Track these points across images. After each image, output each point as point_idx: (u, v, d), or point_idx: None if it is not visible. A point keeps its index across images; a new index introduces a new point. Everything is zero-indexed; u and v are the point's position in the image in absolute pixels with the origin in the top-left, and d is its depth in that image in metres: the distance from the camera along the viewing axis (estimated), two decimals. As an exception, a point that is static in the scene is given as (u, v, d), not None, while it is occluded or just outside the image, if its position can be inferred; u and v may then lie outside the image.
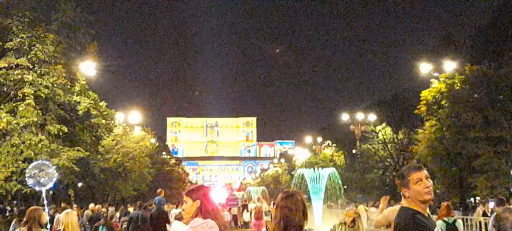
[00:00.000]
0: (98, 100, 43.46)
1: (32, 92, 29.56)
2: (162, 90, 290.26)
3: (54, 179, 15.56)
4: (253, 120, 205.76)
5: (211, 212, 5.01)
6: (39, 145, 29.57)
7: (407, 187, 4.38)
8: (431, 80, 37.21)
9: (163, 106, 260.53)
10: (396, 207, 7.46)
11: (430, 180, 4.36)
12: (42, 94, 30.04)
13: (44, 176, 14.82)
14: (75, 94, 37.35)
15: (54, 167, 16.23)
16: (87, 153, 34.50)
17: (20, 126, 29.23)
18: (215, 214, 5.02)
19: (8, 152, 29.20)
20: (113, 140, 48.24)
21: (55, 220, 19.43)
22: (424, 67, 38.50)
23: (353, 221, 10.47)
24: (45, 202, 15.75)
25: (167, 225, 19.34)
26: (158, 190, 25.02)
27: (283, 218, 4.64)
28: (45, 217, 9.42)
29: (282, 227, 4.61)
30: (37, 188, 15.23)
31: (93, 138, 41.17)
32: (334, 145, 72.46)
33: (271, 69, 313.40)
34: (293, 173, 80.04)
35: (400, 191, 4.49)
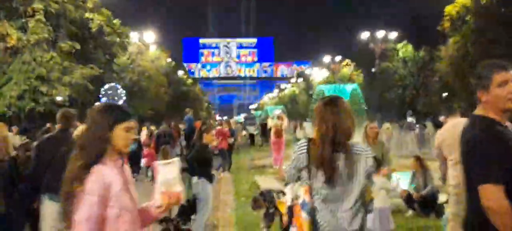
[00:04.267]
0: (112, 18, 42.59)
1: (42, 7, 28.80)
2: (178, 9, 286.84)
3: (124, 98, 19.31)
4: (269, 40, 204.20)
5: None
6: (51, 62, 29.05)
7: (486, 89, 3.36)
8: (456, -5, 35.67)
9: (179, 26, 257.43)
10: (457, 121, 6.47)
11: None
12: (52, 10, 29.31)
13: (116, 95, 18.30)
14: (88, 11, 36.44)
15: (121, 88, 19.02)
16: (101, 71, 33.90)
17: (31, 42, 28.63)
18: None
19: (19, 69, 28.69)
20: (128, 59, 47.54)
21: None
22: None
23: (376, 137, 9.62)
24: None
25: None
26: (186, 109, 26.14)
27: (332, 123, 3.85)
28: None
29: (331, 134, 3.83)
30: None
31: (107, 56, 40.56)
32: (353, 63, 71.31)
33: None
34: (311, 92, 79.37)
35: (476, 95, 3.48)
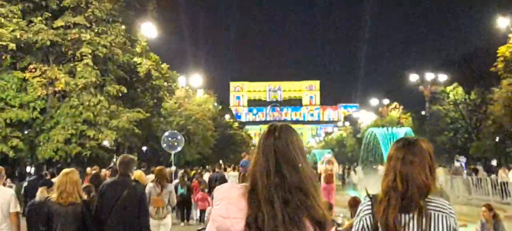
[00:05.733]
0: (160, 62, 42.84)
1: (90, 51, 28.94)
2: (225, 53, 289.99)
3: (182, 145, 20.54)
4: (316, 83, 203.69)
5: None
6: (98, 106, 29.04)
7: None
8: (510, 35, 34.57)
9: (226, 70, 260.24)
10: None
11: None
12: (100, 54, 29.40)
13: (176, 141, 19.35)
14: (136, 55, 36.67)
15: (181, 135, 20.38)
16: (147, 115, 33.84)
17: (79, 86, 28.70)
18: None
19: (67, 113, 28.75)
20: (175, 103, 47.73)
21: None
22: (501, 22, 35.78)
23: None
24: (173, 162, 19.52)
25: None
26: (243, 154, 25.41)
27: (401, 175, 3.10)
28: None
29: (400, 189, 3.07)
30: (170, 151, 19.88)
31: (155, 100, 40.63)
32: (402, 106, 70.21)
33: (334, 31, 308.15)
34: (358, 135, 78.28)
35: None
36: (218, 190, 2.68)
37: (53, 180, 12.05)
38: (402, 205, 3.04)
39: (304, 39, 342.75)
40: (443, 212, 3.05)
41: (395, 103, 72.58)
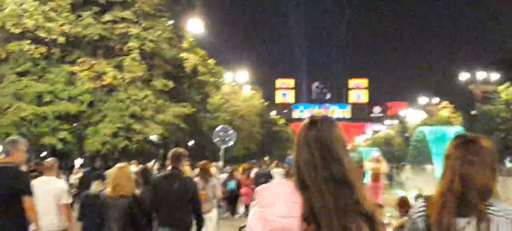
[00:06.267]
0: (206, 58, 42.89)
1: (137, 46, 29.18)
2: (272, 49, 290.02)
3: (234, 139, 20.66)
4: (364, 81, 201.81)
5: None
6: (145, 100, 29.25)
7: None
8: None
9: (272, 66, 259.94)
10: None
11: None
12: (147, 49, 29.60)
13: (227, 136, 19.61)
14: (183, 51, 36.77)
15: (233, 131, 20.36)
16: (193, 110, 33.92)
17: (126, 80, 28.96)
18: None
19: (114, 107, 29.01)
20: (221, 98, 47.76)
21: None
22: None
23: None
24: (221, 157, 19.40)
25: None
26: (289, 151, 26.73)
27: (460, 176, 2.77)
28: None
29: (458, 191, 2.74)
30: (221, 146, 20.03)
31: (201, 96, 40.72)
32: (452, 105, 68.79)
33: (382, 28, 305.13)
34: (406, 135, 77.05)
35: None
36: (268, 190, 2.48)
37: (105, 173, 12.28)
38: (459, 208, 2.72)
39: (353, 37, 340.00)
40: (507, 217, 2.70)
41: (445, 102, 71.10)
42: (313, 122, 2.59)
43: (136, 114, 29.11)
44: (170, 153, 8.36)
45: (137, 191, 8.17)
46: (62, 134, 27.92)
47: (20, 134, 26.42)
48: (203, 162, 11.90)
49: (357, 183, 2.44)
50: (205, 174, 11.13)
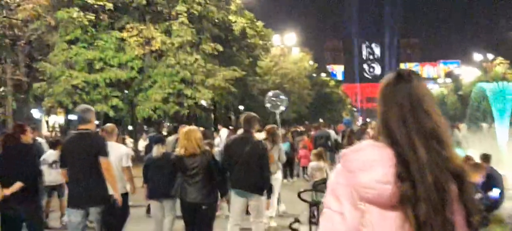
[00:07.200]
0: (255, 20, 42.35)
1: (185, 10, 28.89)
2: (321, 11, 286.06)
3: (286, 104, 20.41)
4: (415, 40, 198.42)
5: None
6: (195, 65, 29.03)
7: None
8: None
9: (322, 28, 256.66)
10: None
11: None
12: (195, 12, 29.33)
13: (279, 101, 19.41)
14: (231, 13, 36.32)
15: (284, 95, 20.47)
16: (243, 73, 33.56)
17: (175, 45, 28.76)
18: None
19: (164, 73, 28.90)
20: (270, 61, 47.30)
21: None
22: None
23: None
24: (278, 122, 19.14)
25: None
26: (344, 113, 26.13)
27: None
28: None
29: None
30: (273, 110, 19.76)
31: (250, 59, 40.33)
32: (507, 61, 66.69)
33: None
34: (460, 93, 75.28)
35: None
36: (361, 152, 2.19)
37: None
38: None
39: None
40: None
41: (500, 58, 68.96)
42: (402, 74, 2.38)
43: (186, 79, 28.94)
44: (243, 117, 8.77)
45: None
46: (114, 101, 28.05)
47: (73, 102, 26.70)
48: (270, 125, 12.20)
49: (447, 138, 2.25)
50: (273, 136, 11.36)
